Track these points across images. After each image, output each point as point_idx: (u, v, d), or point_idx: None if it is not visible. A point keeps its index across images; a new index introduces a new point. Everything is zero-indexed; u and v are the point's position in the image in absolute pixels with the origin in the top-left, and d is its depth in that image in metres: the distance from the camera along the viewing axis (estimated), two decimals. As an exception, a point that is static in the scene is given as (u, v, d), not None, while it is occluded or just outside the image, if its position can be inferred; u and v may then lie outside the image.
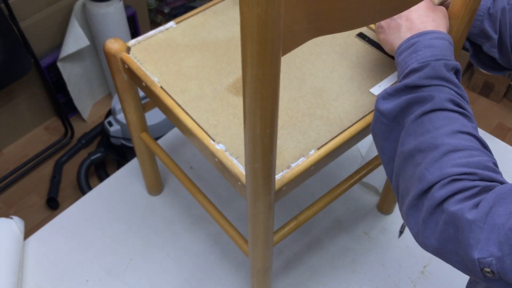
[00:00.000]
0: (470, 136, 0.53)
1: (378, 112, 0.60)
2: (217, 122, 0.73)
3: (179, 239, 1.09)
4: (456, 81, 0.58)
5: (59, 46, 1.93)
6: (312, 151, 0.70)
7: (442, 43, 0.60)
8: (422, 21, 0.63)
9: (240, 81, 0.79)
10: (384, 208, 1.14)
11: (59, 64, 1.90)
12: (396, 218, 1.13)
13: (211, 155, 0.71)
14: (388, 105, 0.58)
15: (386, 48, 0.69)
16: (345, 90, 0.78)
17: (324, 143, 0.71)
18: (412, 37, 0.62)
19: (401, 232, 1.10)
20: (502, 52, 0.74)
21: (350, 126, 0.74)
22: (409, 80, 0.58)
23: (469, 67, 2.42)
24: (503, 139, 1.29)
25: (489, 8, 0.70)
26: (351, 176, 0.90)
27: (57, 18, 1.88)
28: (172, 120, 0.78)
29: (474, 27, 0.72)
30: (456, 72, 0.60)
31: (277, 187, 0.66)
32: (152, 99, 0.80)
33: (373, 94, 0.77)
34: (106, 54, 0.81)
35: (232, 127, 0.73)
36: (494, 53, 0.74)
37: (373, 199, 1.16)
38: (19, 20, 1.72)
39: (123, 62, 0.82)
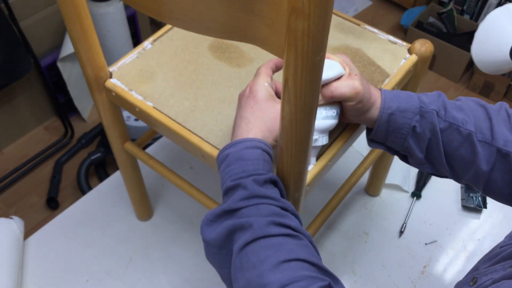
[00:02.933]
0: (296, 262, 0.50)
1: (204, 242, 0.57)
2: (223, 135, 0.73)
3: (179, 239, 1.09)
4: (274, 193, 0.55)
5: (59, 46, 1.93)
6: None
7: (254, 153, 0.57)
8: (241, 124, 0.61)
9: (231, 90, 0.79)
10: (371, 190, 1.16)
11: (59, 64, 1.90)
12: (396, 218, 1.13)
13: None
14: (212, 234, 0.55)
15: None
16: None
17: (333, 138, 0.72)
18: (225, 148, 0.59)
19: (401, 232, 1.10)
20: (432, 167, 0.69)
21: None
22: (225, 205, 0.55)
23: (469, 67, 2.42)
24: (503, 139, 1.29)
25: (415, 127, 0.64)
26: (355, 176, 0.90)
27: (57, 18, 1.88)
28: (179, 143, 0.77)
29: (395, 143, 0.67)
30: (273, 183, 0.57)
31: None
32: (151, 124, 0.79)
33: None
34: (88, 82, 0.78)
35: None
36: (420, 168, 0.69)
37: (373, 199, 1.17)
38: (19, 20, 1.72)
39: (109, 90, 0.80)
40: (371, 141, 0.70)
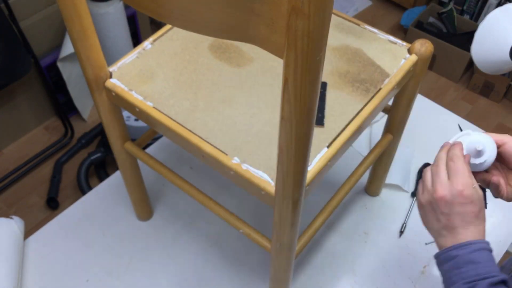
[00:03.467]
0: None
1: None
2: (223, 135, 0.73)
3: (179, 239, 1.09)
4: None
5: (59, 46, 1.93)
6: (325, 149, 0.72)
7: (483, 255, 0.61)
8: (464, 226, 0.63)
9: (231, 90, 0.79)
10: (371, 190, 1.16)
11: (59, 64, 1.90)
12: (396, 218, 1.13)
13: (227, 169, 0.70)
14: None
15: (420, 216, 0.70)
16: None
17: (333, 138, 0.73)
18: (450, 249, 0.62)
19: (401, 232, 1.10)
20: None
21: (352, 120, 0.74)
22: None
23: (469, 67, 2.42)
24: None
25: None
26: (355, 176, 0.90)
27: (57, 18, 1.88)
28: (179, 143, 0.77)
29: None
30: (504, 283, 0.60)
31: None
32: (151, 124, 0.79)
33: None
34: (88, 82, 0.78)
35: (240, 138, 0.72)
36: None
37: (373, 199, 1.16)
38: (19, 20, 1.72)
39: (109, 90, 0.80)
40: None
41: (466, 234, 0.63)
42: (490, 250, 0.62)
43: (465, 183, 0.63)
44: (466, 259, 0.61)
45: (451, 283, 0.61)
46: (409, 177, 1.19)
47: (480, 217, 0.64)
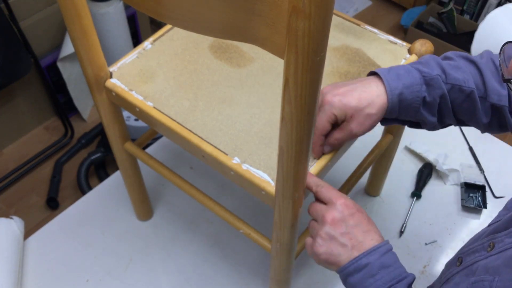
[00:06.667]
0: None
1: None
2: (223, 135, 0.73)
3: (179, 239, 1.09)
4: None
5: (59, 46, 1.93)
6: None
7: (391, 257, 0.62)
8: (365, 236, 0.63)
9: (231, 90, 0.79)
10: (371, 190, 1.16)
11: (59, 64, 1.90)
12: (396, 218, 1.13)
13: (227, 169, 0.70)
14: None
15: (326, 262, 0.64)
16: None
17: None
18: (359, 258, 0.61)
19: (401, 232, 1.10)
20: (443, 125, 0.72)
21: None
22: None
23: (469, 67, 2.41)
24: (503, 139, 1.29)
25: (425, 97, 0.66)
26: (355, 176, 0.90)
27: (57, 18, 1.88)
28: (179, 143, 0.77)
29: (408, 116, 0.69)
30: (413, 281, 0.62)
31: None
32: (151, 124, 0.79)
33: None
34: (88, 82, 0.78)
35: (240, 138, 0.72)
36: (432, 129, 0.72)
37: (373, 199, 1.16)
38: (19, 20, 1.72)
39: (109, 90, 0.79)
40: (383, 120, 0.70)
41: (370, 243, 0.62)
42: (392, 248, 0.63)
43: (339, 196, 0.63)
44: (378, 264, 0.60)
45: None
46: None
47: (370, 221, 0.64)
